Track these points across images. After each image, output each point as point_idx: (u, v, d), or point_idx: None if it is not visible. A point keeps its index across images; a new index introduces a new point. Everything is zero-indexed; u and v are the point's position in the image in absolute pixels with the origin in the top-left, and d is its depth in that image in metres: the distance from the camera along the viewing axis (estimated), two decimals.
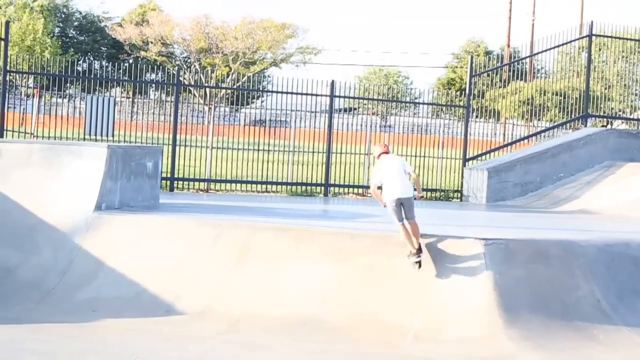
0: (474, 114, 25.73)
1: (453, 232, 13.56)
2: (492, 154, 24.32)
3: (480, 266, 11.86)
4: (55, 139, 21.39)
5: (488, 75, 25.60)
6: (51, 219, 13.74)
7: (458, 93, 25.59)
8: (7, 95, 21.02)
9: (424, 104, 26.49)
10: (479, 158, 23.92)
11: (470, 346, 11.05)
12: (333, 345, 11.11)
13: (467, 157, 23.57)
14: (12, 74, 22.54)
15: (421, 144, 24.05)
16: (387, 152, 12.90)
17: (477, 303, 11.65)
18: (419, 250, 12.23)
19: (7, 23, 21.08)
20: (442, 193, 23.39)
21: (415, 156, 23.69)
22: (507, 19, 68.25)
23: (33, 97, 26.74)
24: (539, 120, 28.32)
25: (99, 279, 12.92)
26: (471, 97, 23.80)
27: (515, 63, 27.68)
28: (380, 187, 12.74)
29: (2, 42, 20.50)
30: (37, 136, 22.34)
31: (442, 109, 28.52)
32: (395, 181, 12.50)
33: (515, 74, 27.99)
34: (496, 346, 11.04)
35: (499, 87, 28.98)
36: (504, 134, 30.20)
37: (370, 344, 11.17)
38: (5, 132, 20.68)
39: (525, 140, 25.79)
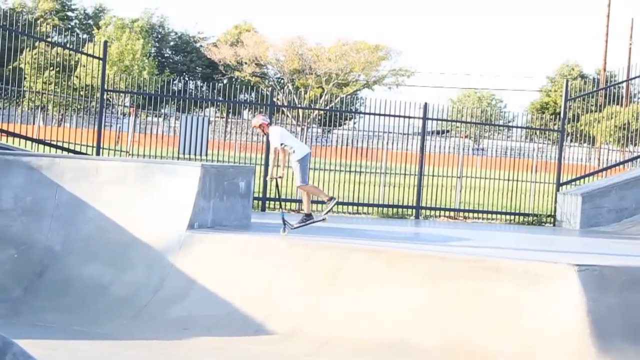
0: (569, 138, 25.43)
1: (546, 257, 13.40)
2: (586, 179, 24.00)
3: (573, 292, 11.68)
4: (149, 157, 21.70)
5: (583, 99, 25.31)
6: (145, 237, 13.89)
7: (552, 117, 25.33)
8: (104, 113, 21.41)
9: (517, 127, 26.31)
10: (573, 183, 23.64)
11: None
12: None
13: (561, 181, 23.30)
14: (109, 92, 22.95)
15: (514, 167, 23.85)
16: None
17: (569, 329, 11.46)
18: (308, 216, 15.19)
19: (106, 43, 21.53)
20: (535, 218, 23.14)
21: (508, 180, 23.50)
22: (603, 42, 67.47)
23: (129, 115, 27.18)
24: (635, 145, 27.88)
25: (190, 297, 13.01)
26: (566, 121, 23.54)
27: (612, 87, 27.29)
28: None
29: (101, 62, 20.93)
30: (132, 154, 22.68)
31: (535, 133, 28.27)
32: (299, 142, 15.71)
33: (611, 99, 27.63)
34: None
35: (594, 112, 28.61)
36: (599, 159, 29.80)
37: None
38: (102, 150, 21.05)
39: (621, 166, 25.42)
